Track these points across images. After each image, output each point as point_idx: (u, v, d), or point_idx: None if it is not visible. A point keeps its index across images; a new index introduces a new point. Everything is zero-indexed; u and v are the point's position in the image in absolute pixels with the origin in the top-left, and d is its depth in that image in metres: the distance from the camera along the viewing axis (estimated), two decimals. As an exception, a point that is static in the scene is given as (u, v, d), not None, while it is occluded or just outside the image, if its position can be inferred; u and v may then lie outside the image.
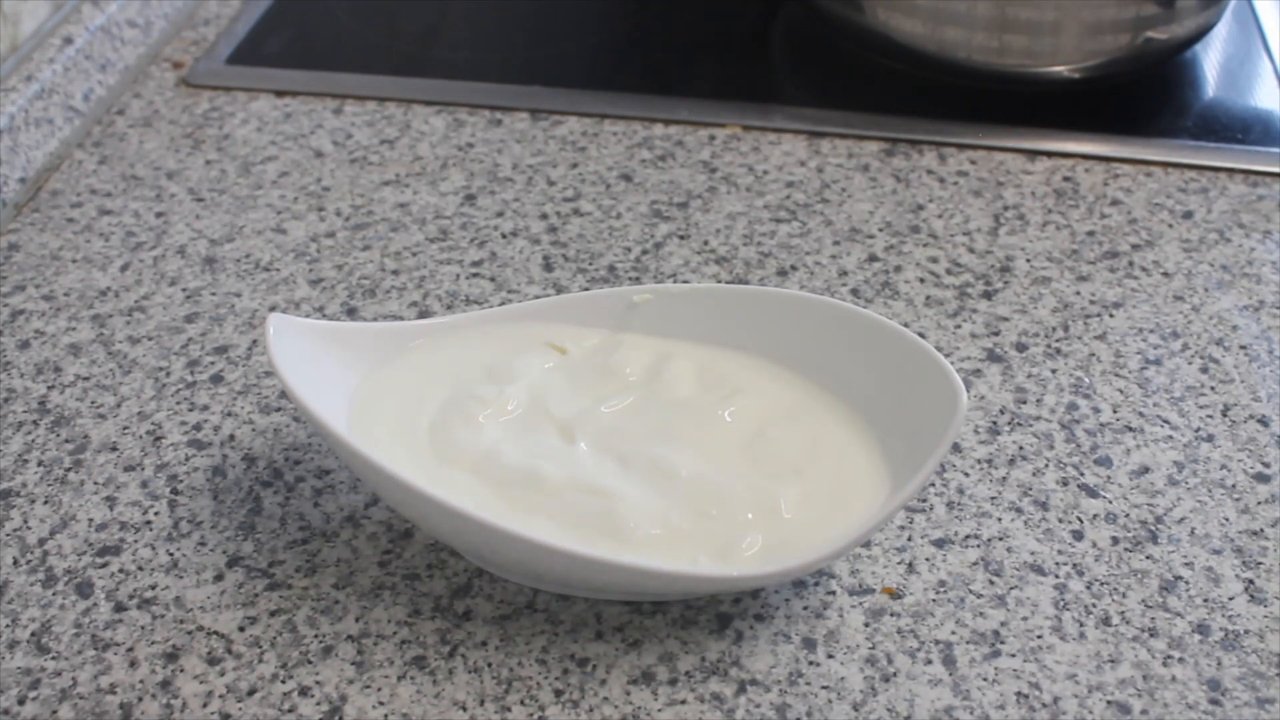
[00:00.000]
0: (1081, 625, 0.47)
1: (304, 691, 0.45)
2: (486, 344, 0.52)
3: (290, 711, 0.44)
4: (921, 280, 0.63)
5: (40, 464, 0.54)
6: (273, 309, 0.61)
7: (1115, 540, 0.50)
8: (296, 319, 0.50)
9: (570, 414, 0.50)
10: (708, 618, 0.47)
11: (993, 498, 0.52)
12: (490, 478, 0.47)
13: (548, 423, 0.49)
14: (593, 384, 0.51)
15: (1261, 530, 0.51)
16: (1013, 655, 0.46)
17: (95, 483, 0.53)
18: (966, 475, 0.53)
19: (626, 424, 0.49)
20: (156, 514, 0.52)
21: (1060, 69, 0.73)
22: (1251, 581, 0.49)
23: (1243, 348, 0.59)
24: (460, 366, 0.51)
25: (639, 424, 0.49)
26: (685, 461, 0.48)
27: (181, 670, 0.46)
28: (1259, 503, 0.52)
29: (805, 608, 0.48)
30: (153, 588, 0.49)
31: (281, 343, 0.48)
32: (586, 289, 0.62)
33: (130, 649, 0.46)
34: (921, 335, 0.59)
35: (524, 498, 0.46)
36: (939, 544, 0.50)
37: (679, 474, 0.47)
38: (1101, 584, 0.49)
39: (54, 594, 0.48)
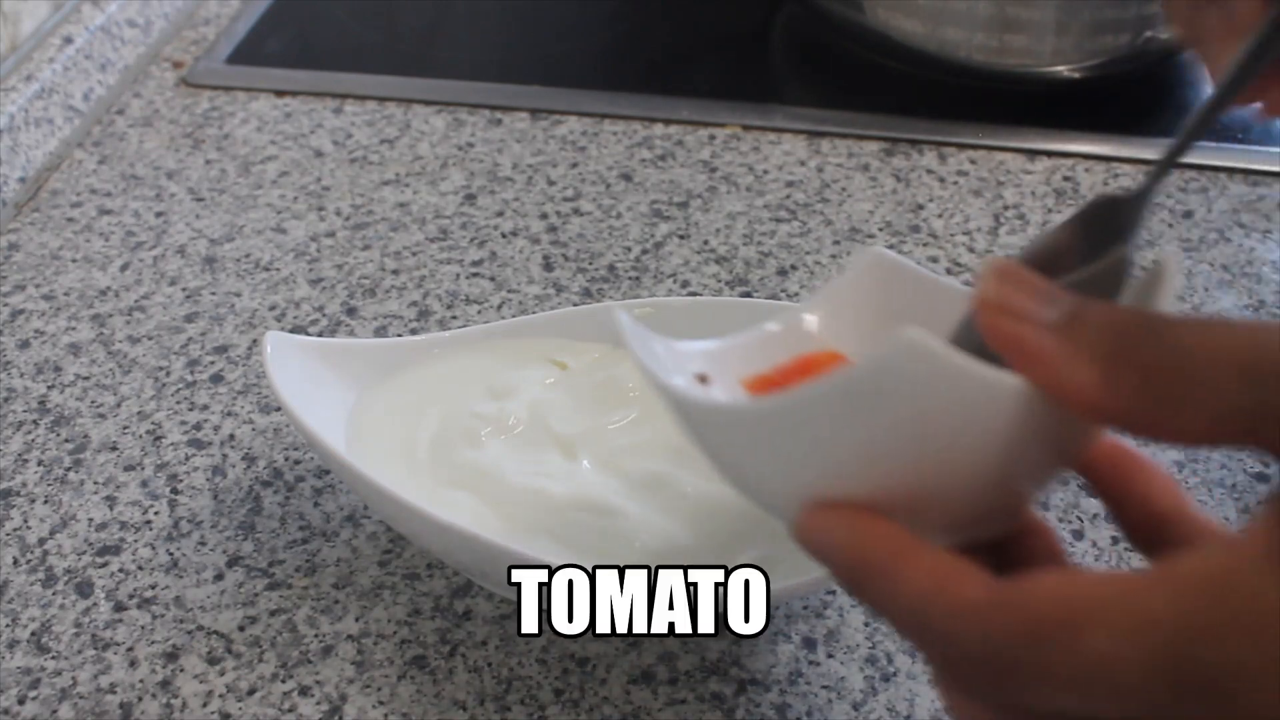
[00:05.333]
0: (1081, 625, 0.47)
1: (304, 691, 0.45)
2: (486, 359, 0.51)
3: (290, 711, 0.44)
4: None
5: (40, 464, 0.54)
6: (272, 309, 0.61)
7: (1115, 540, 0.50)
8: (294, 337, 0.49)
9: (572, 431, 0.49)
10: (708, 617, 0.47)
11: (993, 497, 0.52)
12: (492, 496, 0.47)
13: (549, 440, 0.49)
14: (594, 400, 0.50)
15: (1261, 530, 0.51)
16: (1013, 655, 0.46)
17: (95, 482, 0.53)
18: (966, 475, 0.53)
19: (629, 441, 0.49)
20: (156, 514, 0.52)
21: (1060, 69, 0.73)
22: (1251, 581, 0.49)
23: (1243, 347, 0.59)
24: (460, 383, 0.51)
25: (642, 440, 0.49)
26: (689, 479, 0.47)
27: (181, 670, 0.46)
28: (1259, 502, 0.52)
29: (805, 608, 0.48)
30: (153, 587, 0.49)
31: (280, 362, 0.47)
32: (586, 289, 0.62)
33: (130, 649, 0.46)
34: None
35: (526, 517, 0.46)
36: (939, 544, 0.50)
37: (684, 491, 0.46)
38: (1101, 584, 0.49)
39: (54, 594, 0.48)
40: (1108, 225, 0.32)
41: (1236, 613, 0.23)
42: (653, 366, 0.34)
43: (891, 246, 0.65)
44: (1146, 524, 0.32)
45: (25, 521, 0.51)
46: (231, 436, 0.55)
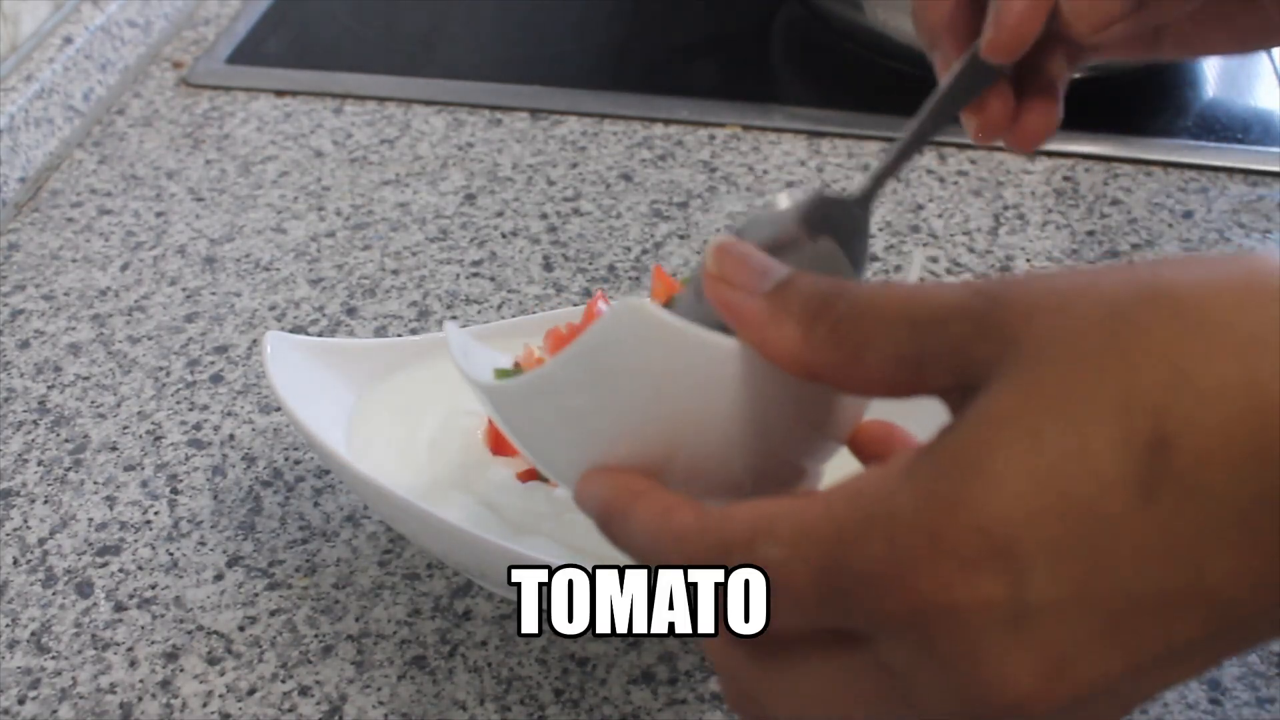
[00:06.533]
0: (1081, 625, 0.47)
1: (304, 691, 0.45)
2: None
3: (290, 711, 0.44)
4: (921, 280, 0.62)
5: (40, 464, 0.54)
6: (272, 309, 0.61)
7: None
8: (294, 337, 0.49)
9: None
10: (708, 617, 0.47)
11: (993, 497, 0.52)
12: (492, 496, 0.47)
13: None
14: None
15: (1261, 530, 0.51)
16: (1013, 655, 0.46)
17: (95, 482, 0.53)
18: (966, 475, 0.53)
19: None
20: (156, 514, 0.52)
21: (1060, 69, 0.73)
22: (1251, 581, 0.49)
23: (1243, 348, 0.59)
24: (460, 383, 0.50)
25: None
26: None
27: (181, 670, 0.46)
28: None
29: (805, 607, 0.48)
30: (153, 587, 0.49)
31: (280, 362, 0.47)
32: (586, 289, 0.62)
33: (130, 649, 0.46)
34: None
35: (526, 517, 0.46)
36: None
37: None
38: (1101, 584, 0.48)
39: (54, 594, 0.48)
40: (825, 221, 0.35)
41: (873, 515, 0.25)
42: (464, 364, 0.37)
43: (891, 247, 0.65)
44: None
45: (25, 521, 0.51)
46: (231, 436, 0.55)
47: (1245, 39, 0.41)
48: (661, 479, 0.31)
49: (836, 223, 0.35)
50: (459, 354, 0.38)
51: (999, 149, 0.71)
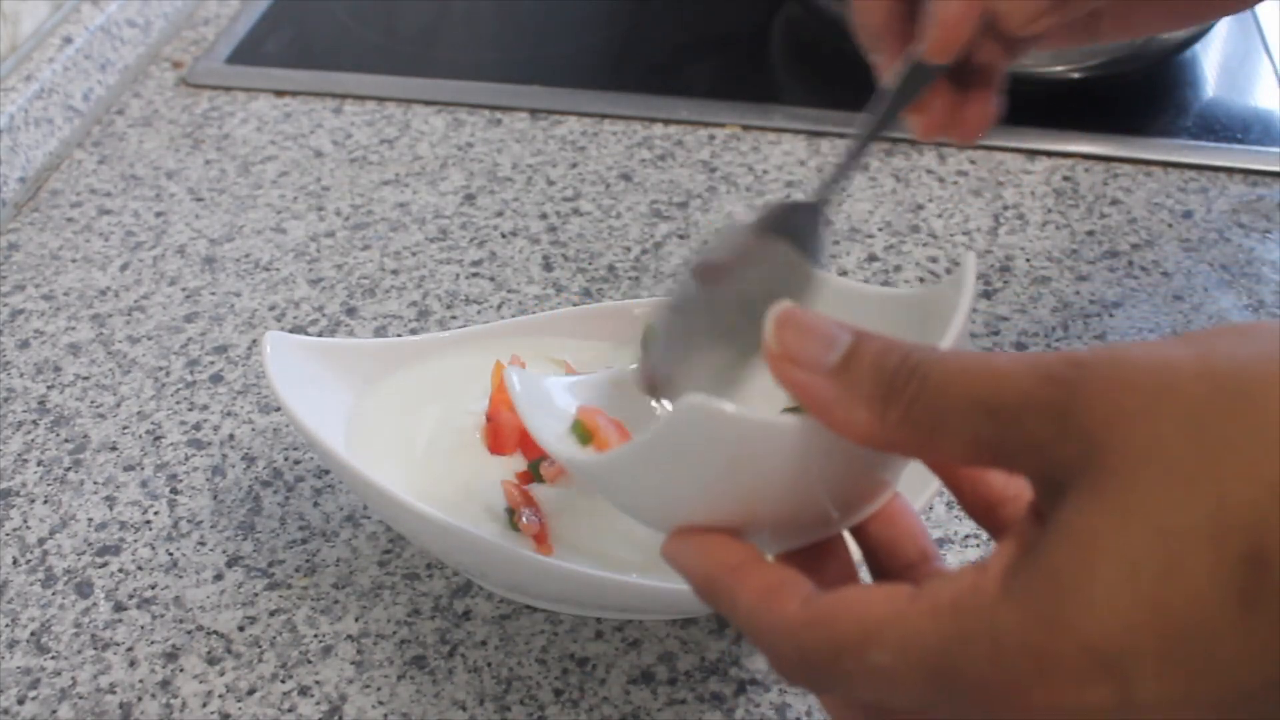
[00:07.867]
0: (1081, 625, 0.47)
1: (304, 691, 0.45)
2: (485, 359, 0.51)
3: (290, 711, 0.44)
4: (921, 279, 0.63)
5: (40, 464, 0.54)
6: (272, 309, 0.61)
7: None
8: (294, 337, 0.49)
9: None
10: (707, 618, 0.47)
11: (992, 497, 0.52)
12: (490, 497, 0.47)
13: None
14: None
15: (1261, 530, 0.51)
16: (1012, 655, 0.46)
17: (95, 482, 0.53)
18: (966, 475, 0.53)
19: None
20: (156, 514, 0.52)
21: (1060, 69, 0.73)
22: (1251, 581, 0.49)
23: (1242, 347, 0.59)
24: (459, 383, 0.50)
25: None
26: None
27: (181, 670, 0.46)
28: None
29: (805, 607, 0.48)
30: (152, 587, 0.49)
31: (280, 362, 0.47)
32: (586, 289, 0.62)
33: (130, 649, 0.46)
34: (921, 335, 0.58)
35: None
36: (939, 544, 0.50)
37: None
38: (1101, 584, 0.48)
39: (54, 594, 0.48)
40: (785, 224, 0.39)
41: (976, 632, 0.26)
42: (544, 434, 0.38)
43: (891, 247, 0.65)
44: (891, 567, 0.36)
45: (25, 521, 0.51)
46: (231, 436, 0.55)
47: (1181, 15, 0.42)
48: (745, 533, 0.32)
49: (797, 224, 0.39)
50: (534, 421, 0.39)
51: (999, 148, 0.71)
